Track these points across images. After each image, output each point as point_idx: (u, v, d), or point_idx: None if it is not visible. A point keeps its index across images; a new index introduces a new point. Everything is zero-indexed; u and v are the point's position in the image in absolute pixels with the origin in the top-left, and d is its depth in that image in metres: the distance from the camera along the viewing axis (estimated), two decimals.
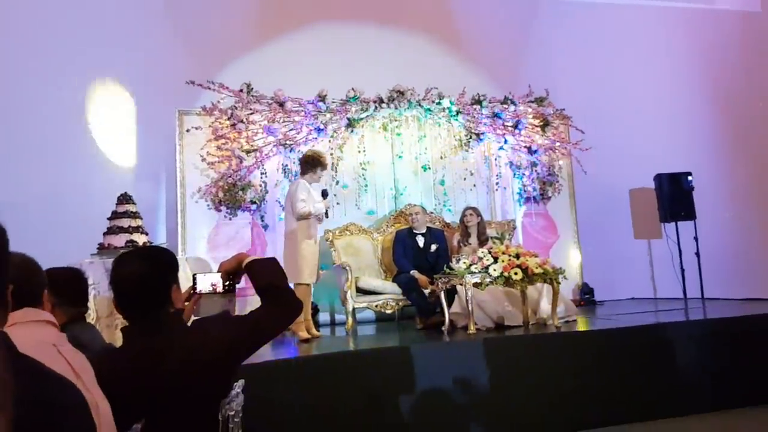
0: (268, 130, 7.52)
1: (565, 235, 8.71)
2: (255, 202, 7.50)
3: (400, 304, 6.80)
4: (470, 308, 5.69)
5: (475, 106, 8.19)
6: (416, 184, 8.11)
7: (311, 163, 6.26)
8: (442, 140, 8.22)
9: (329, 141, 7.74)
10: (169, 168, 7.76)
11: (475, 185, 8.28)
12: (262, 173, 7.54)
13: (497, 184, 8.34)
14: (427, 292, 6.68)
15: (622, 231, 9.48)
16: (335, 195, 7.58)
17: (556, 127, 8.51)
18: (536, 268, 5.62)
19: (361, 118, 7.91)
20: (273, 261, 2.70)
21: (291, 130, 7.63)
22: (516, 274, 5.49)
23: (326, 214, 6.10)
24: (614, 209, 9.40)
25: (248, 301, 6.55)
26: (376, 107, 7.91)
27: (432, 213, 7.90)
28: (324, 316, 7.74)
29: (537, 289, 6.31)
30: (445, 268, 6.00)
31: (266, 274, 2.62)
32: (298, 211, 5.93)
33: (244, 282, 2.76)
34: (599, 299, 8.72)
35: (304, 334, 6.16)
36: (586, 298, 8.44)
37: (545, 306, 6.21)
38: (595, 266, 8.70)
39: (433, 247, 7.04)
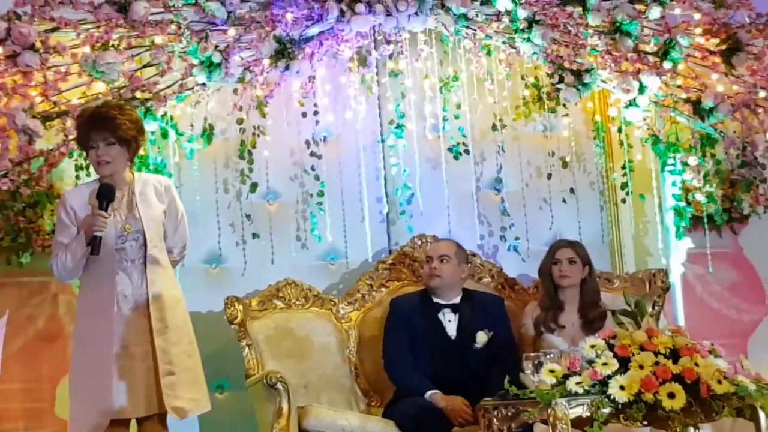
0: (92, 64, 5.07)
1: None
2: None
3: None
4: None
5: (571, 8, 5.70)
6: (437, 190, 5.84)
7: (77, 138, 4.46)
8: (495, 88, 5.83)
9: (235, 93, 5.32)
10: None
11: (573, 191, 5.98)
12: (79, 167, 5.16)
13: (624, 188, 6.00)
14: None
15: None
16: (248, 217, 5.41)
17: (756, 56, 5.92)
18: (718, 381, 4.03)
19: (308, 39, 5.33)
20: None
21: (145, 67, 5.25)
22: (672, 396, 3.97)
23: (93, 245, 4.02)
24: None
25: None
26: (342, 12, 5.42)
27: (476, 257, 5.68)
28: None
29: None
30: (506, 385, 4.18)
31: None
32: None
33: None
34: None
35: None
36: None
37: None
38: None
39: (480, 336, 5.09)
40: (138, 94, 5.17)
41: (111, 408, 3.71)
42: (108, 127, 4.15)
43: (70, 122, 5.24)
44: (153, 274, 4.09)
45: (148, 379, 4.00)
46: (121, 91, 5.10)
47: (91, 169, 5.16)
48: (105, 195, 4.14)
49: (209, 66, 5.16)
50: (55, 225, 4.49)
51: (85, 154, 4.35)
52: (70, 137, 5.18)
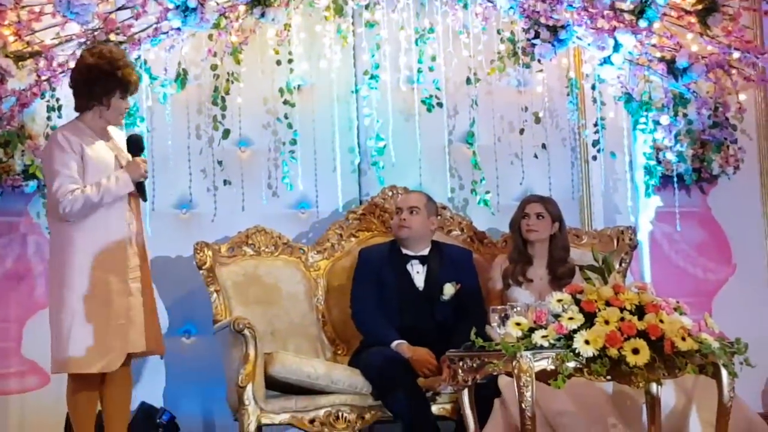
0: (66, 5, 4.98)
1: (751, 265, 6.27)
2: (35, 176, 5.12)
3: (367, 416, 4.88)
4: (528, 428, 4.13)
5: None
6: (410, 142, 5.81)
7: (95, 80, 4.10)
8: (471, 42, 5.77)
9: (210, 39, 5.30)
10: None
11: (545, 147, 5.95)
12: (51, 108, 5.09)
13: (596, 145, 5.96)
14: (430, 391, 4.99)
15: None
16: (219, 163, 5.42)
17: (731, 17, 5.91)
18: (682, 338, 4.02)
19: None
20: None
21: (120, 9, 5.20)
22: (636, 352, 3.95)
23: (142, 191, 4.17)
24: None
25: None
26: None
27: (446, 209, 5.70)
28: None
29: (683, 389, 4.64)
30: (472, 337, 4.10)
31: None
32: (57, 207, 4.04)
33: None
34: None
35: None
36: None
37: (699, 427, 4.58)
38: None
39: (447, 288, 5.08)
40: (112, 37, 5.08)
41: (125, 344, 3.77)
42: (137, 82, 4.27)
43: (42, 62, 5.13)
44: (136, 212, 4.14)
45: (141, 315, 4.06)
46: (95, 33, 5.00)
47: (64, 110, 4.98)
48: (140, 147, 4.22)
49: (184, 10, 5.04)
50: (50, 161, 4.14)
51: (92, 99, 4.09)
52: (43, 78, 5.10)
